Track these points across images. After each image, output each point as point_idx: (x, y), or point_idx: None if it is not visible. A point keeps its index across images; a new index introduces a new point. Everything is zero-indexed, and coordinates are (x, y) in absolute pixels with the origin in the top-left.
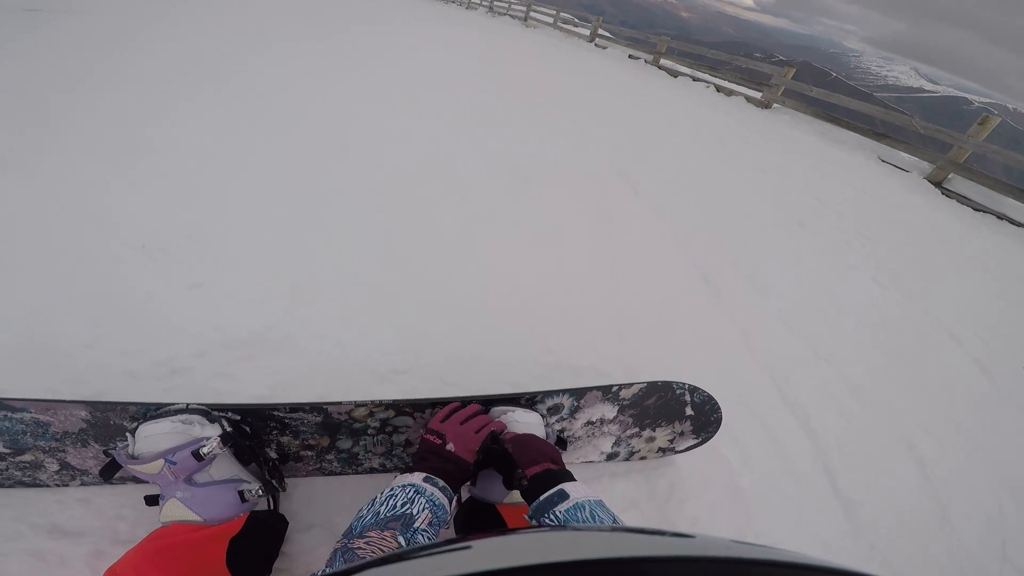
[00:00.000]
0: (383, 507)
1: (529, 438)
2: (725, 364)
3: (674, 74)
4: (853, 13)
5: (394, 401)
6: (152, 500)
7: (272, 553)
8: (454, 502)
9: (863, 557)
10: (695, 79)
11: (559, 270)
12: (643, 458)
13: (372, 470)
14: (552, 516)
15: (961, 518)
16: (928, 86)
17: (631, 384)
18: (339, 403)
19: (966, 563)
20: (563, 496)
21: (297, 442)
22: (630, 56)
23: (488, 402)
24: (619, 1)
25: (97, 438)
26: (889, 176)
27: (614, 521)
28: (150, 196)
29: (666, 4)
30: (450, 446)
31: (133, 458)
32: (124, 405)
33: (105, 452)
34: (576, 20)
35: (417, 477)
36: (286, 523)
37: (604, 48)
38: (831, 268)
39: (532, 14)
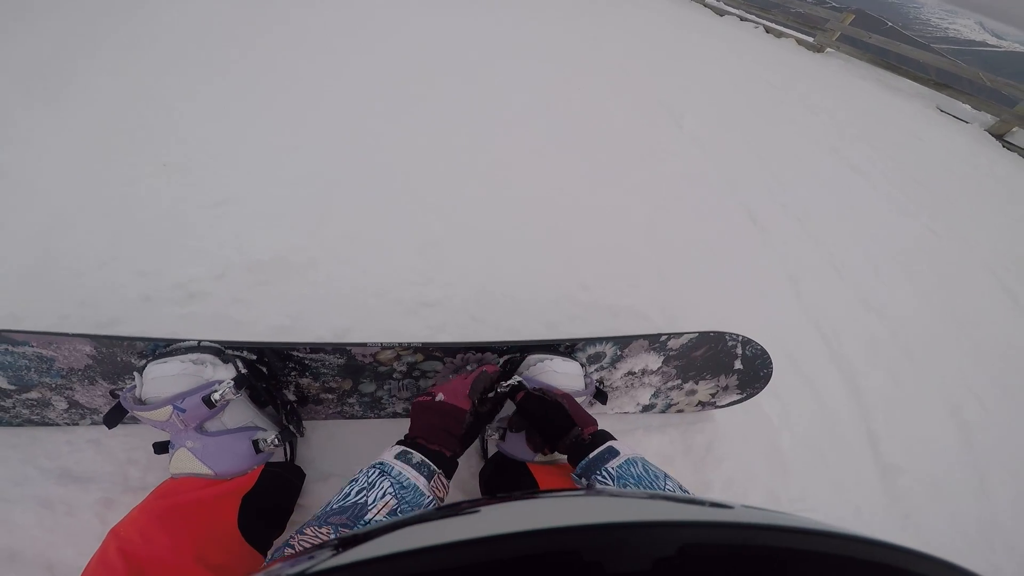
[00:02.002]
0: (336, 496)
1: (571, 397)
2: (771, 312)
3: (720, 12)
4: None
5: (423, 344)
6: (161, 447)
7: (288, 509)
8: (437, 479)
9: (896, 528)
10: (743, 19)
11: (599, 202)
12: (680, 411)
13: (395, 415)
14: (604, 473)
15: (997, 489)
16: (992, 40)
17: (681, 334)
18: (364, 344)
19: (995, 535)
20: (613, 453)
21: (317, 384)
22: None
23: (524, 349)
24: None
25: (105, 375)
26: (948, 126)
27: (666, 477)
28: (174, 113)
29: None
30: (440, 396)
31: (140, 402)
32: (131, 340)
33: (112, 393)
34: None
35: (389, 453)
36: (303, 476)
37: None
38: (884, 214)
39: None
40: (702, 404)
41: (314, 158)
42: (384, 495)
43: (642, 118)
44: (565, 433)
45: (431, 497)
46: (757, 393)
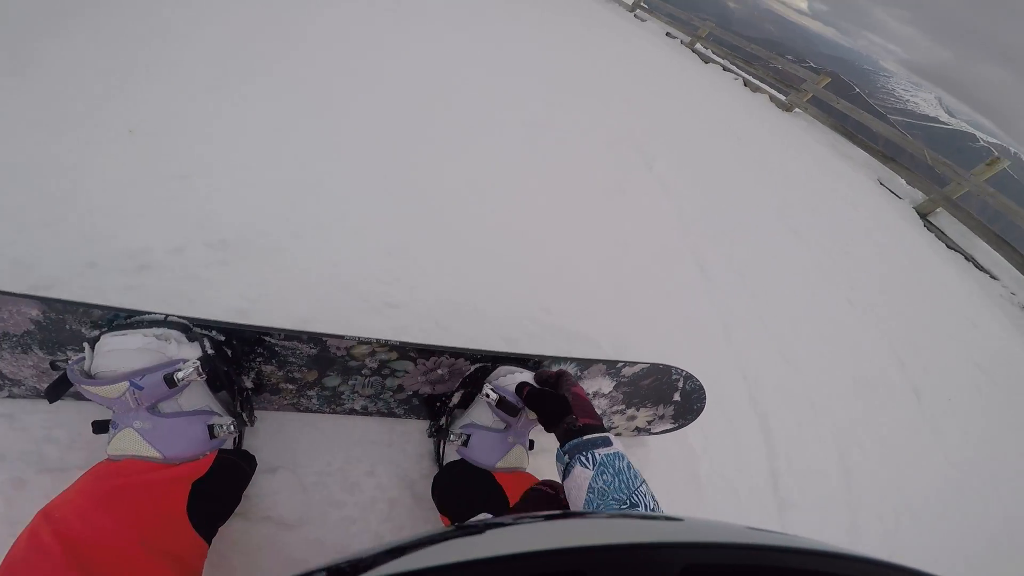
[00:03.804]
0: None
1: (587, 401)
2: (705, 353)
3: (705, 60)
4: (904, 34)
5: (401, 343)
6: (101, 427)
7: (237, 498)
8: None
9: None
10: (725, 69)
11: (565, 233)
12: (618, 435)
13: (352, 411)
14: (589, 456)
15: (865, 529)
16: (944, 117)
17: (635, 363)
18: (341, 337)
19: None
20: (607, 442)
21: (281, 373)
22: (668, 34)
23: (496, 359)
24: None
25: (43, 344)
26: (883, 199)
27: (643, 483)
28: (142, 81)
29: None
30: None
31: (89, 376)
32: (88, 307)
33: (53, 364)
34: None
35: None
36: (255, 464)
37: (644, 20)
38: (812, 279)
39: None
40: (638, 429)
41: (294, 144)
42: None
43: (616, 157)
44: (561, 420)
45: None
46: (687, 424)
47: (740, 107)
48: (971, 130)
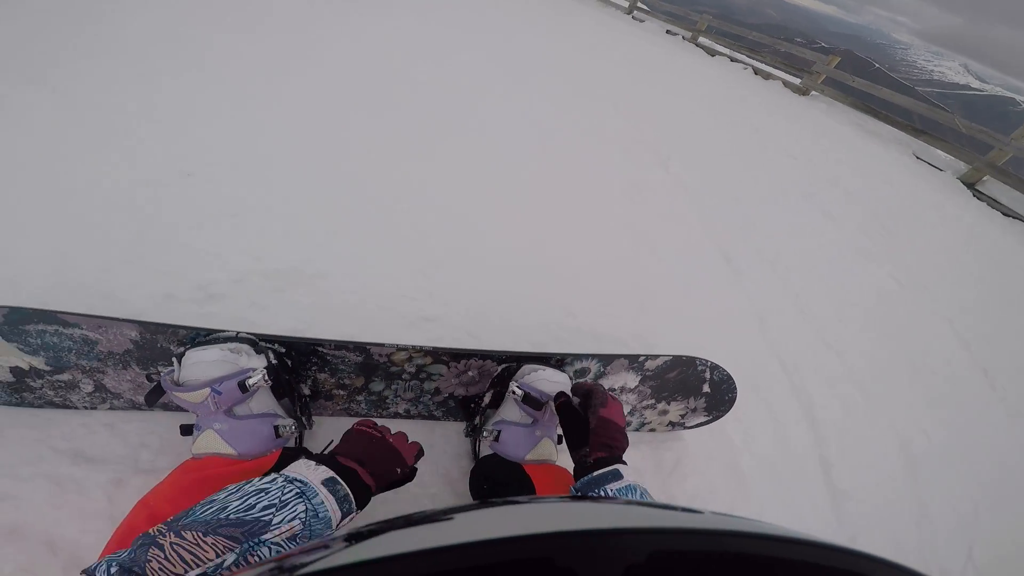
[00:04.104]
0: (238, 502)
1: (612, 423)
2: (738, 344)
3: (711, 53)
4: (909, 5)
5: (434, 348)
6: (187, 430)
7: None
8: (347, 520)
9: None
10: (733, 59)
11: (586, 236)
12: (652, 430)
13: (396, 415)
14: (602, 493)
15: (937, 517)
16: (976, 84)
17: (657, 356)
18: (382, 344)
19: (932, 560)
20: (616, 476)
21: (333, 380)
22: (668, 31)
23: (520, 359)
24: None
25: (140, 361)
26: (922, 174)
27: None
28: (200, 127)
29: None
30: (388, 437)
31: (178, 385)
32: (175, 328)
33: (148, 376)
34: None
35: (315, 474)
36: None
37: (642, 21)
38: (851, 261)
39: None
40: (672, 424)
41: (328, 178)
42: (293, 519)
43: (631, 158)
44: (576, 450)
45: (337, 531)
46: (722, 416)
47: (753, 96)
48: (1009, 94)
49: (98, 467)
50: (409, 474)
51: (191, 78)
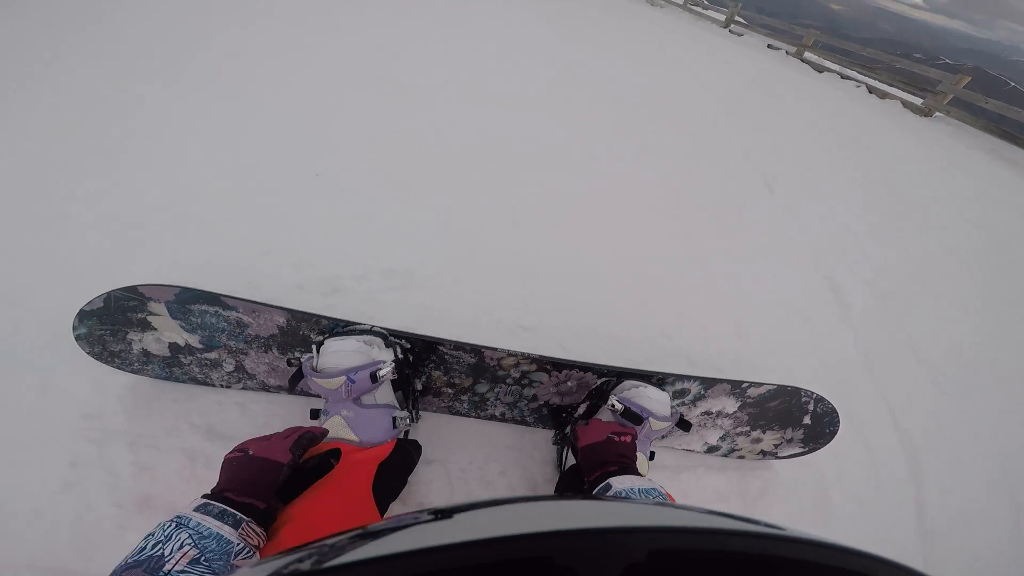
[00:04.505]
0: (132, 550)
1: (592, 448)
2: (842, 381)
3: (819, 69)
4: None
5: (540, 356)
6: (315, 414)
7: (406, 480)
8: (246, 527)
9: None
10: (843, 76)
11: (684, 257)
12: (741, 457)
13: (493, 417)
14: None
15: None
16: None
17: (761, 384)
18: (495, 349)
19: None
20: (606, 489)
21: (445, 378)
22: (769, 46)
23: (622, 374)
24: None
25: (281, 346)
26: None
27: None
28: (328, 127)
29: None
30: (251, 451)
31: (316, 371)
32: (317, 317)
33: (289, 361)
34: (707, 2)
35: (187, 507)
36: (420, 452)
37: (740, 36)
38: (977, 305)
39: None
40: (763, 453)
41: (435, 188)
42: (182, 546)
43: (733, 179)
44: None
45: (242, 544)
46: (818, 449)
47: (868, 117)
48: None
49: (227, 444)
50: (282, 468)
51: (339, 84)
